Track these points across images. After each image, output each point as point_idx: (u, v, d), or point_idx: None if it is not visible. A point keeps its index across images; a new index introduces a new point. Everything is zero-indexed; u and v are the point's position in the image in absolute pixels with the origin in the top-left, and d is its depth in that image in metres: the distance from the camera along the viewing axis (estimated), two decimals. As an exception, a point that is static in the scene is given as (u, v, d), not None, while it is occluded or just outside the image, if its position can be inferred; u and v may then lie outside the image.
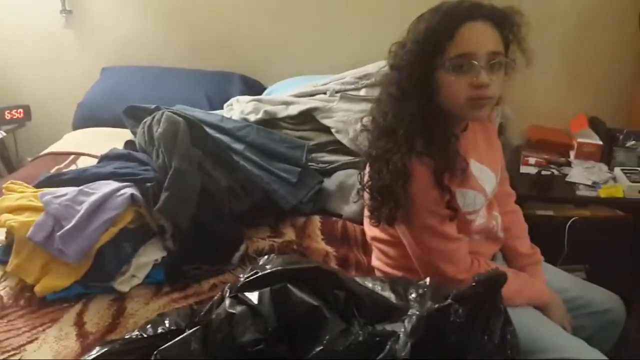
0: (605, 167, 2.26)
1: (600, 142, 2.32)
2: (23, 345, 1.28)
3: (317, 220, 1.79)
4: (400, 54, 1.23)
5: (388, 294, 1.05)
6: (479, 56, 1.16)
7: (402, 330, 0.90)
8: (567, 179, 2.21)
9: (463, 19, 1.17)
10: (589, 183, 2.16)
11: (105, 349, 0.99)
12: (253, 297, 0.92)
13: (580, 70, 2.49)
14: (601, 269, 2.00)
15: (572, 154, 2.36)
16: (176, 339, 0.90)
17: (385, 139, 1.24)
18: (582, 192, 2.14)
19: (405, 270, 1.36)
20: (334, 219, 1.82)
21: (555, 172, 2.25)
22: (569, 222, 2.04)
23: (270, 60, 2.68)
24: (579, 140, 2.34)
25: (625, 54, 2.44)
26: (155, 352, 0.88)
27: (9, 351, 1.27)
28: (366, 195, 1.31)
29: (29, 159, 2.46)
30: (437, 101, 1.22)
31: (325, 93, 2.23)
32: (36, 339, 1.30)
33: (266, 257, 1.06)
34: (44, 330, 1.33)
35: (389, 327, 0.94)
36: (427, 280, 1.05)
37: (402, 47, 1.23)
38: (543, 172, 2.20)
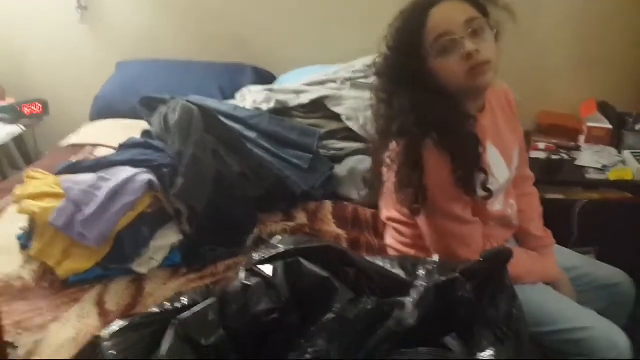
0: (614, 151, 2.27)
1: (610, 126, 2.33)
2: (47, 323, 1.33)
3: (328, 204, 1.82)
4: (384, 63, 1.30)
5: (397, 271, 1.07)
6: (455, 30, 1.18)
7: (410, 300, 0.93)
8: (577, 162, 2.22)
9: (428, 7, 1.21)
10: (599, 167, 2.17)
11: (126, 322, 1.03)
12: (267, 269, 0.96)
13: (590, 56, 2.50)
14: (610, 251, 2.00)
15: (581, 138, 2.37)
16: (193, 310, 0.94)
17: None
18: (591, 175, 2.15)
19: (419, 248, 1.38)
20: (345, 203, 1.85)
21: (565, 157, 2.26)
22: (579, 205, 2.05)
23: (280, 51, 2.71)
24: (589, 124, 2.35)
25: (634, 38, 2.43)
26: (173, 320, 0.92)
27: (33, 329, 1.31)
28: (391, 176, 1.31)
29: (47, 152, 2.51)
30: (442, 87, 1.23)
31: (335, 81, 2.25)
32: (59, 317, 1.35)
33: (278, 237, 1.09)
34: (66, 310, 1.37)
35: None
36: (436, 257, 1.08)
37: (385, 57, 1.29)
38: (553, 157, 2.21)
